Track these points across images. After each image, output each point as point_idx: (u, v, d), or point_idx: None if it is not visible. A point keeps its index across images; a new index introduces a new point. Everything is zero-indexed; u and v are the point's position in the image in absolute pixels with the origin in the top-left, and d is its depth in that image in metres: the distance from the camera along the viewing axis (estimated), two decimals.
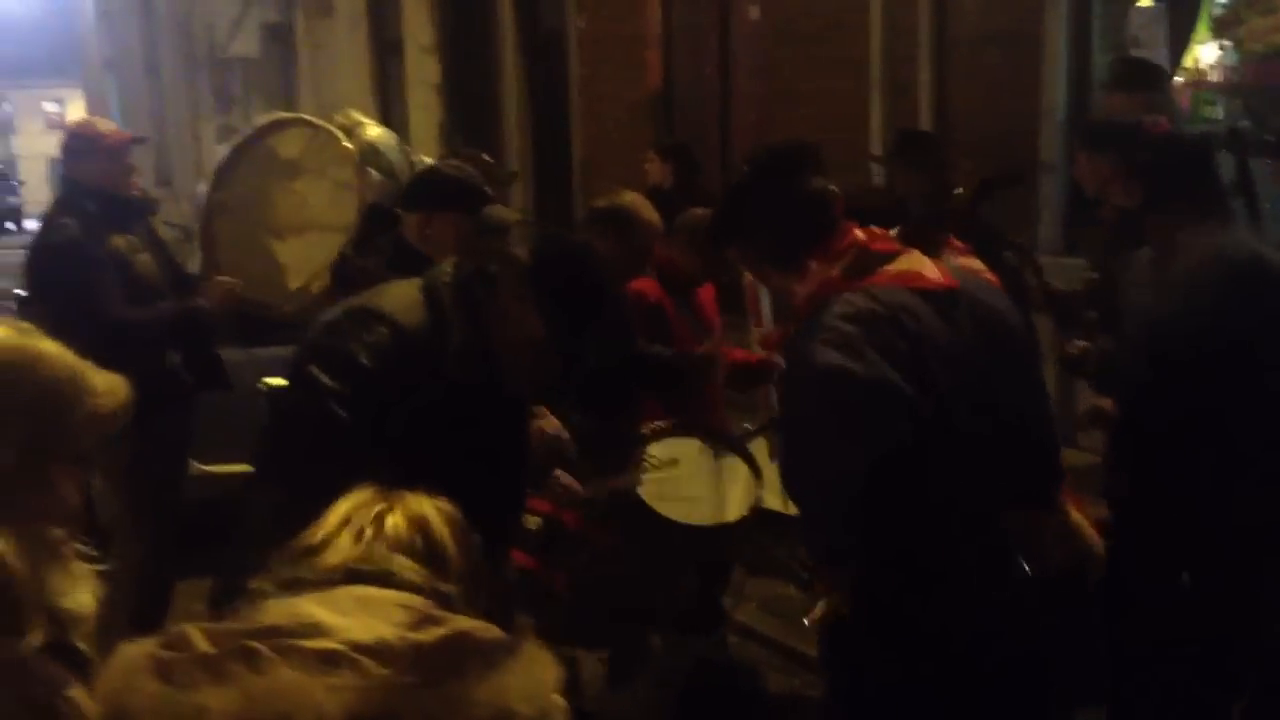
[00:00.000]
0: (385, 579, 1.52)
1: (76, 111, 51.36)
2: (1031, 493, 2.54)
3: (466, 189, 3.66)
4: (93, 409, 1.76)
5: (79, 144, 4.85)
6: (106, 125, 5.14)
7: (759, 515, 4.06)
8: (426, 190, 3.71)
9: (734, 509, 4.05)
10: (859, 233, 2.48)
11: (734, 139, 9.76)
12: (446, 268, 2.72)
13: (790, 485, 2.50)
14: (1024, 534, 2.48)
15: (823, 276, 2.44)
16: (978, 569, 2.38)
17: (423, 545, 1.60)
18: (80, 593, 1.75)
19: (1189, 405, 3.31)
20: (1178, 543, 3.39)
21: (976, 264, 3.83)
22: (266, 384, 6.69)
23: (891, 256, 2.46)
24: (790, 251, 2.50)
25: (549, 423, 3.26)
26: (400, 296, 2.68)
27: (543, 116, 11.93)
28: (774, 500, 4.14)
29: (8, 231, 38.25)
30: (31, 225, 39.43)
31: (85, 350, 4.70)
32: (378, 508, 1.65)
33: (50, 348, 1.77)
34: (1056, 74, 6.95)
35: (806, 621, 2.61)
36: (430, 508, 1.66)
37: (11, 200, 40.12)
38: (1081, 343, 4.14)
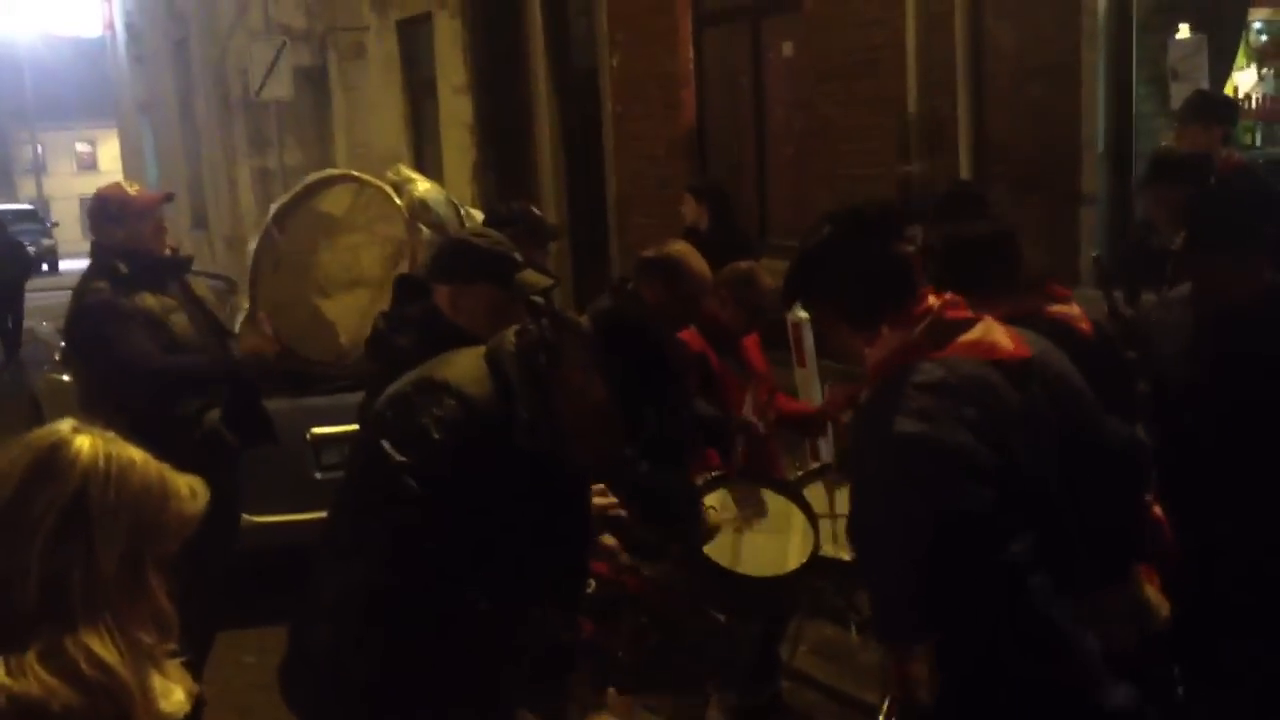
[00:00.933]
0: None
1: (109, 152, 52.10)
2: (1105, 566, 2.50)
3: (497, 260, 3.55)
4: (179, 512, 1.79)
5: (107, 209, 4.78)
6: (134, 187, 5.10)
7: (816, 562, 4.04)
8: (456, 262, 3.61)
9: (792, 557, 4.05)
10: (933, 299, 2.46)
11: (770, 175, 9.77)
12: (510, 336, 2.73)
13: (862, 553, 2.49)
14: (1094, 611, 2.43)
15: (896, 343, 2.43)
16: (1051, 643, 2.34)
17: None
18: (175, 694, 1.77)
19: (1231, 446, 3.30)
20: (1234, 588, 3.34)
21: (1074, 310, 3.82)
22: (314, 434, 6.76)
23: (967, 325, 2.45)
24: (867, 314, 2.48)
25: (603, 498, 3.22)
26: (466, 367, 2.70)
27: (577, 155, 11.98)
28: (830, 547, 4.14)
29: (41, 273, 38.61)
30: (66, 266, 39.86)
31: (126, 410, 4.71)
32: None
33: (137, 454, 1.79)
34: (1096, 105, 6.91)
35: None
36: None
37: (45, 242, 40.46)
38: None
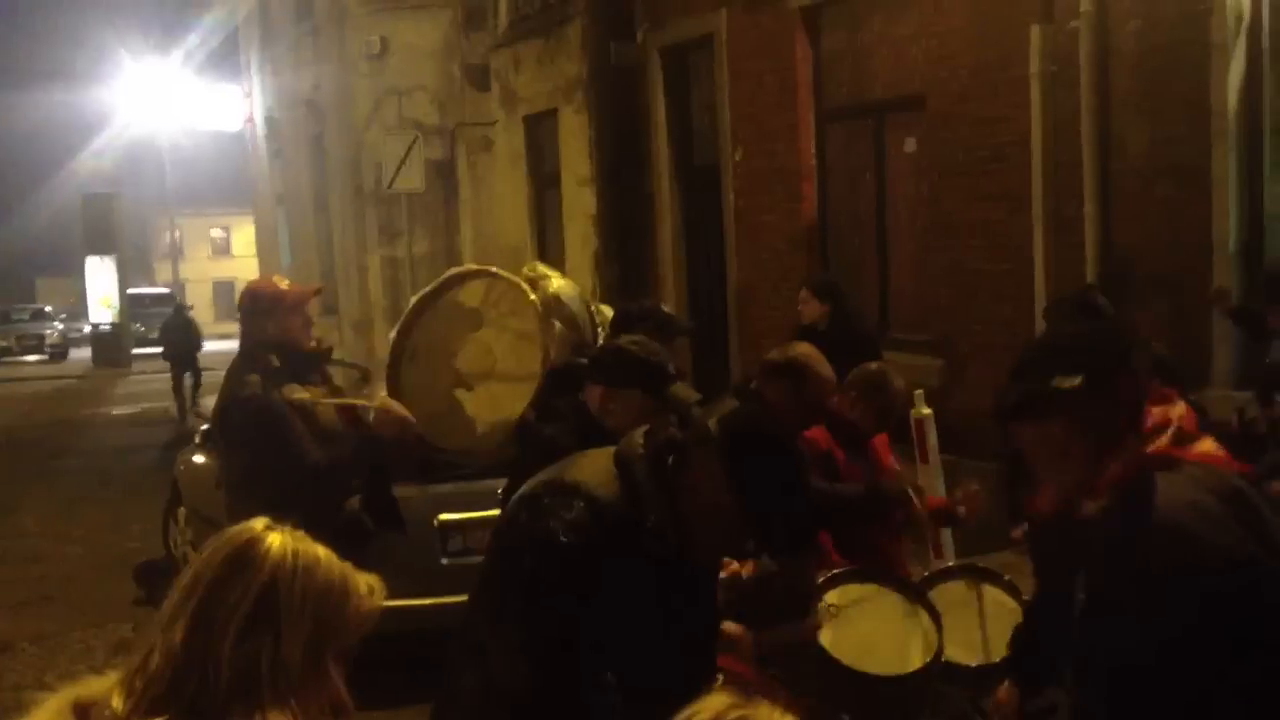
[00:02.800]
0: None
1: (242, 238, 53.91)
2: None
3: (651, 370, 3.70)
4: (358, 608, 1.90)
5: (261, 303, 4.94)
6: (284, 281, 5.26)
7: (941, 665, 4.01)
8: (612, 366, 3.78)
9: (914, 657, 4.02)
10: (1156, 409, 2.43)
11: (892, 270, 9.80)
12: (638, 439, 2.79)
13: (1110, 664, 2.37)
14: None
15: (1140, 452, 2.37)
16: None
17: None
18: None
19: None
20: None
21: (1185, 410, 3.77)
22: (441, 520, 6.90)
23: (1198, 437, 2.43)
24: (1119, 427, 2.39)
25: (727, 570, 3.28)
26: (595, 470, 2.76)
27: (698, 247, 12.14)
28: (957, 651, 4.10)
29: None
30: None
31: (276, 498, 4.85)
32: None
33: (322, 551, 1.91)
34: (1227, 206, 6.85)
35: None
36: None
37: None
38: None
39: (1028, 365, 2.53)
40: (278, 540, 1.88)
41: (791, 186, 10.61)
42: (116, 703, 1.79)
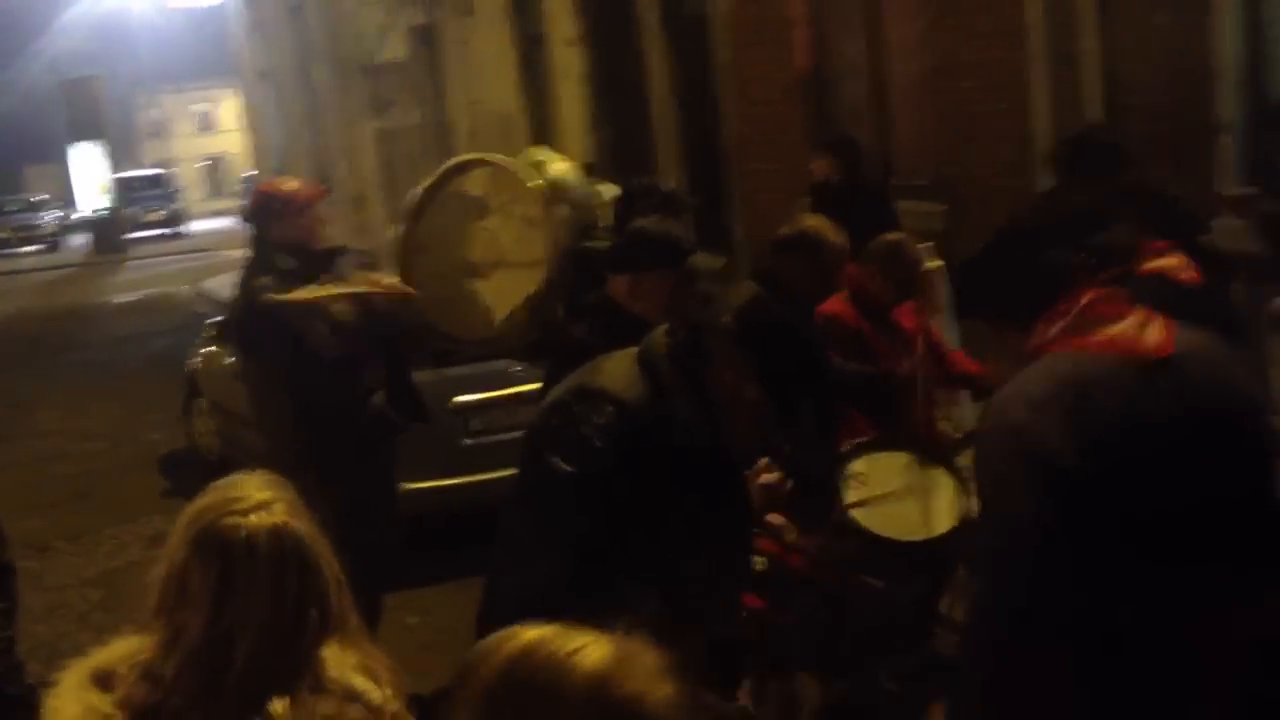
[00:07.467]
0: None
1: (228, 113, 53.14)
2: (1246, 590, 2.31)
3: (670, 246, 3.78)
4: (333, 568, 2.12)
5: (271, 205, 5.00)
6: (293, 183, 5.28)
7: (969, 525, 4.08)
8: (635, 251, 3.84)
9: (942, 521, 4.10)
10: (1092, 294, 2.43)
11: (890, 115, 9.67)
12: (659, 337, 2.82)
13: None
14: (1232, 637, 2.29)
15: (1041, 337, 2.44)
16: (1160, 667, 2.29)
17: None
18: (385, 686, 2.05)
19: None
20: None
21: (1173, 262, 3.74)
22: (456, 402, 7.00)
23: (1115, 318, 2.41)
24: (1021, 316, 2.50)
25: (764, 474, 3.30)
26: (619, 373, 2.79)
27: (692, 103, 11.95)
28: None
29: (177, 236, 39.73)
30: (194, 228, 40.93)
31: (299, 399, 4.93)
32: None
33: (292, 495, 2.07)
34: (1227, 32, 6.74)
35: None
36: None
37: (173, 206, 41.64)
38: None
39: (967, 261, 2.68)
40: (253, 521, 1.97)
41: (783, 34, 10.40)
42: (138, 690, 1.89)
